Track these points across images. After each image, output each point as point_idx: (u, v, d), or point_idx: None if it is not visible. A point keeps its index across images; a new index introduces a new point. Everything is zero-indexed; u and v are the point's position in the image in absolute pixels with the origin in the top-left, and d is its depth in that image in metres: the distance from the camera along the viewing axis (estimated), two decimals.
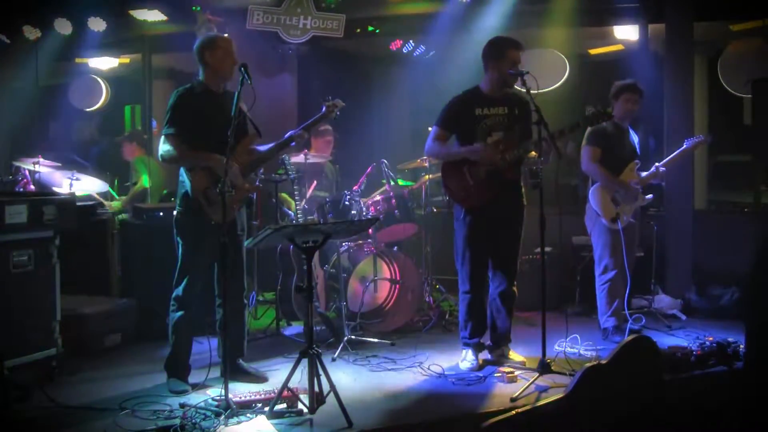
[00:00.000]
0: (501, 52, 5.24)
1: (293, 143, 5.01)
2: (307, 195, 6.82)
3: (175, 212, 4.96)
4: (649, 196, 6.21)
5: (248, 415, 4.24)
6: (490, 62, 5.30)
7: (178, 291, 4.88)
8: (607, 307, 6.05)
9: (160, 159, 4.91)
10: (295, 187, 6.18)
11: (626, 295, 6.03)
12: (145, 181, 8.30)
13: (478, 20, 7.92)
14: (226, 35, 5.00)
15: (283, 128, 5.08)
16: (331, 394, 4.23)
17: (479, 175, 5.23)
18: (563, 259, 7.19)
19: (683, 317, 6.87)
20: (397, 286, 6.41)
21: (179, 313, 4.89)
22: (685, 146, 6.29)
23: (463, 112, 5.33)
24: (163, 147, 4.80)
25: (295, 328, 6.63)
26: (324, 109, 5.06)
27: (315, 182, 7.18)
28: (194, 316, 4.93)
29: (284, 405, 4.35)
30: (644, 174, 6.20)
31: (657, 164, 6.24)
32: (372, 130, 10.76)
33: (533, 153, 5.11)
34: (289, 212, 6.81)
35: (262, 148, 5.06)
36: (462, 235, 5.35)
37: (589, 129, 6.04)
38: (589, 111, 5.24)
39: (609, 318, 6.03)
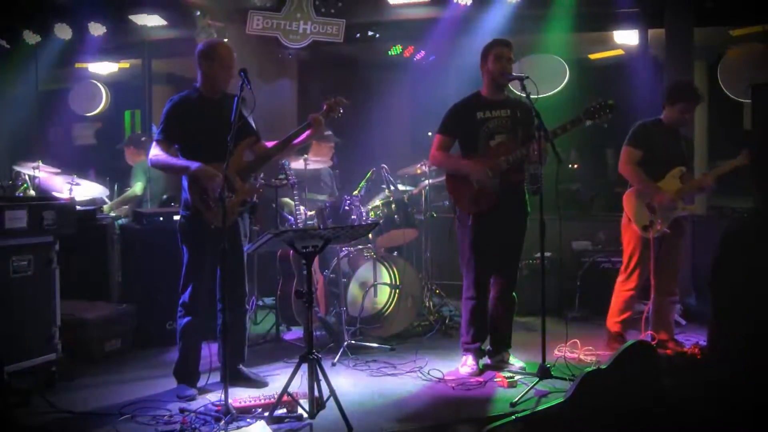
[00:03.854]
0: (487, 51, 5.29)
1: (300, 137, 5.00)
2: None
3: (179, 218, 4.96)
4: (692, 204, 5.71)
5: (248, 420, 4.24)
6: (482, 64, 5.34)
7: (185, 297, 4.88)
8: (619, 314, 5.95)
9: (150, 164, 4.92)
10: (294, 192, 6.18)
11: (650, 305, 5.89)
12: (138, 188, 8.28)
13: (478, 25, 7.94)
14: (226, 42, 4.97)
15: (283, 133, 5.07)
16: (331, 399, 4.22)
17: (484, 180, 5.23)
18: (563, 264, 7.19)
19: (683, 322, 6.86)
20: (397, 291, 6.41)
21: (186, 319, 4.89)
22: (739, 158, 5.66)
23: (464, 117, 5.34)
24: (152, 152, 4.83)
25: (295, 333, 6.63)
26: (324, 106, 5.02)
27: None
28: (202, 321, 4.94)
29: (284, 410, 4.35)
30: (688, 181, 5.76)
31: (705, 172, 5.77)
32: (372, 136, 10.76)
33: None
34: (290, 217, 6.81)
35: (268, 145, 5.06)
36: (468, 241, 5.34)
37: (633, 127, 5.79)
38: (590, 104, 5.12)
39: (616, 323, 5.97)
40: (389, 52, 9.59)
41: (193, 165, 4.71)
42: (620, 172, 5.87)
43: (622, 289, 5.94)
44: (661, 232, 5.67)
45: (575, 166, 5.68)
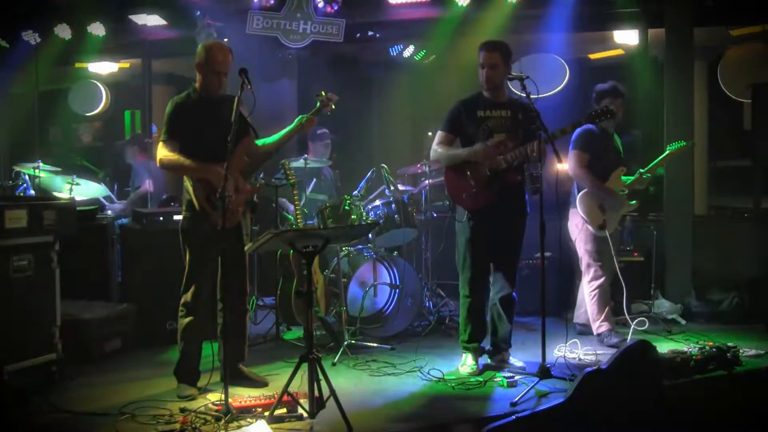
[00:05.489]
0: (477, 56, 5.34)
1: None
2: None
3: (181, 219, 4.96)
4: (633, 202, 6.12)
5: (248, 419, 4.23)
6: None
7: (187, 297, 4.87)
8: (599, 314, 6.04)
9: (158, 165, 4.93)
10: (294, 192, 6.18)
11: (624, 299, 6.01)
12: (147, 185, 8.29)
13: (478, 25, 7.93)
14: (224, 46, 4.98)
15: None
16: (331, 398, 4.22)
17: (481, 177, 5.24)
18: (563, 264, 7.18)
19: (683, 322, 6.87)
20: (397, 290, 6.41)
21: (188, 319, 4.87)
22: (667, 152, 6.17)
23: (465, 115, 5.35)
24: (161, 153, 4.81)
25: (295, 333, 6.63)
26: (318, 104, 5.07)
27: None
28: (203, 321, 4.94)
29: (284, 410, 4.35)
30: (629, 180, 6.11)
31: (641, 170, 6.12)
32: (372, 135, 10.77)
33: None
34: (290, 216, 6.81)
35: (265, 141, 5.07)
36: (464, 239, 5.35)
37: (576, 132, 5.97)
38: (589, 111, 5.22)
39: (602, 323, 6.02)
40: (389, 52, 9.62)
41: (204, 165, 4.72)
42: (572, 175, 6.10)
43: (591, 288, 6.09)
44: (614, 227, 6.01)
45: (565, 166, 5.77)
